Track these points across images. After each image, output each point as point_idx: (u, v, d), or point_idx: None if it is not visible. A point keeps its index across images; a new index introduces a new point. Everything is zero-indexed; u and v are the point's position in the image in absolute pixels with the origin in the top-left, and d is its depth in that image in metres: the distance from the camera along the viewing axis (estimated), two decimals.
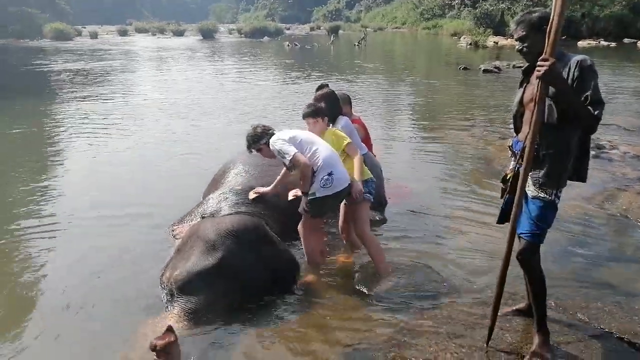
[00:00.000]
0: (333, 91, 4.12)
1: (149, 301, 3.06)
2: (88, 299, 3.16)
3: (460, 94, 11.85)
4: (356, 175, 3.32)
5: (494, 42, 29.92)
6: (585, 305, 2.92)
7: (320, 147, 3.26)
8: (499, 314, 2.75)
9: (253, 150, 3.43)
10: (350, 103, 4.51)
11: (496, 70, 15.53)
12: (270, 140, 3.31)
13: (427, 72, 18.22)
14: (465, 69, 16.15)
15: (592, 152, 5.99)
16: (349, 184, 3.24)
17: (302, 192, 3.29)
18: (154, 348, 2.29)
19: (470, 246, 3.78)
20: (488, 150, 6.54)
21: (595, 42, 27.48)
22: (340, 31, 51.01)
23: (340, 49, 30.88)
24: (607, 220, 4.22)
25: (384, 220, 4.32)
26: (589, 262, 3.53)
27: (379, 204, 4.34)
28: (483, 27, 33.47)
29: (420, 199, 4.83)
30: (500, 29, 33.50)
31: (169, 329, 2.38)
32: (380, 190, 4.34)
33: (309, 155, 3.21)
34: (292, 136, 3.29)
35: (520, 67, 14.95)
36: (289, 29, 57.51)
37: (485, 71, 15.35)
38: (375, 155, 4.68)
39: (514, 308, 2.84)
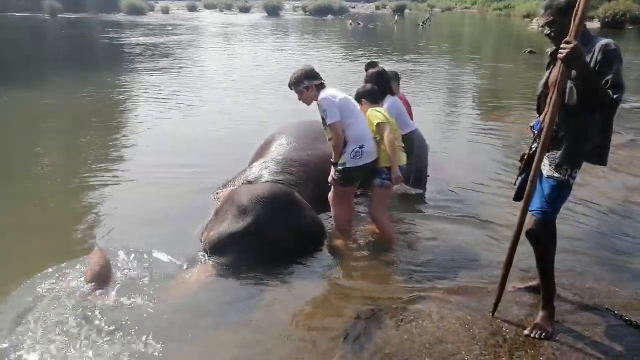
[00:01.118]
0: (382, 70, 4.29)
1: (190, 254, 3.38)
2: (137, 243, 3.53)
3: (525, 78, 11.47)
4: (391, 160, 3.39)
5: None
6: (599, 288, 2.96)
7: (359, 120, 3.44)
8: (511, 289, 2.91)
9: (300, 86, 3.44)
10: (397, 80, 4.63)
11: None
12: (321, 95, 3.39)
13: (493, 54, 17.65)
14: (531, 52, 15.47)
15: None
16: (376, 157, 3.41)
17: (332, 163, 3.47)
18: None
19: (500, 225, 3.83)
20: None
21: None
22: (406, 10, 49.86)
23: (403, 29, 30.34)
24: None
25: (421, 195, 4.44)
26: (616, 248, 3.52)
27: (419, 180, 4.45)
28: None
29: (466, 177, 4.91)
30: None
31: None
32: (421, 166, 4.45)
33: (347, 124, 3.36)
34: (342, 101, 3.39)
35: None
36: (353, 7, 56.69)
37: None
38: None
39: (526, 284, 2.94)
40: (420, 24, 29.95)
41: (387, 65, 4.54)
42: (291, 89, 3.52)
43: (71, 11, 36.82)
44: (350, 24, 30.96)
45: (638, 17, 27.31)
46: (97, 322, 2.67)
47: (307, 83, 3.43)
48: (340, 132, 3.34)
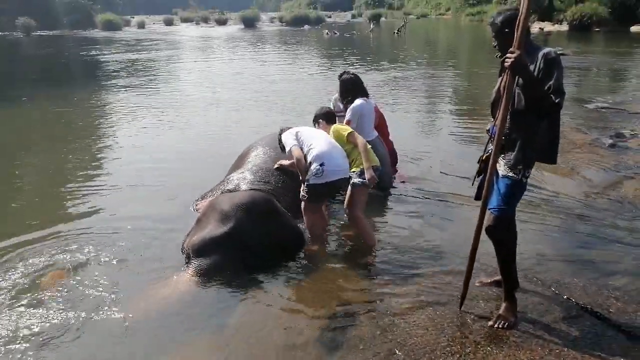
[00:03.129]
0: (344, 79, 4.55)
1: (170, 261, 3.50)
2: (118, 255, 3.63)
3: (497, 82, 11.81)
4: (364, 163, 3.61)
5: (540, 28, 29.04)
6: (560, 279, 3.15)
7: (318, 142, 3.66)
8: (477, 284, 3.09)
9: (284, 151, 3.91)
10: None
11: None
12: (282, 135, 3.84)
13: (468, 59, 18.08)
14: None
15: (609, 141, 6.15)
16: (343, 177, 3.60)
17: (301, 181, 3.69)
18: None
19: (466, 223, 3.99)
20: None
21: None
22: (382, 18, 50.62)
23: (380, 37, 30.82)
24: (606, 204, 4.35)
25: (386, 197, 4.63)
26: (577, 242, 3.72)
27: (383, 188, 4.63)
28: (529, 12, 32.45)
29: (436, 178, 5.15)
30: (547, 14, 32.41)
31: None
32: (384, 176, 4.61)
33: (306, 149, 3.66)
34: (297, 132, 3.80)
35: (563, 54, 14.78)
36: (330, 17, 57.43)
37: None
38: (391, 143, 5.03)
39: (492, 279, 3.11)
40: (396, 31, 30.45)
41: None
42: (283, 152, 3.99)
43: (46, 28, 36.54)
44: (327, 33, 31.32)
45: (604, 20, 28.20)
46: (77, 328, 2.78)
47: (280, 145, 3.95)
48: (298, 154, 3.64)
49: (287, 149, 3.74)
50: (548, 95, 2.43)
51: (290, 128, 3.94)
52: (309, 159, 3.60)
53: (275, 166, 4.17)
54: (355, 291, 3.16)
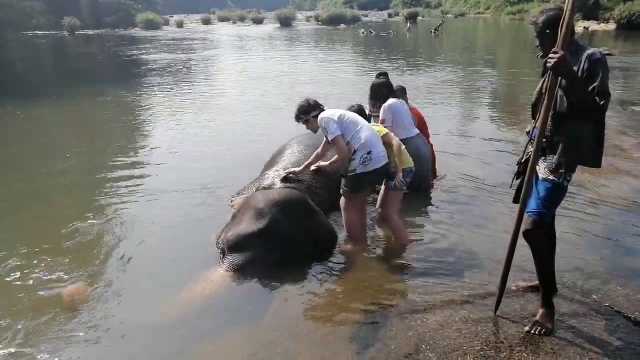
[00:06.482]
0: (375, 83, 4.58)
1: (205, 256, 3.57)
2: (155, 249, 3.77)
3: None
4: (396, 165, 3.56)
5: (584, 27, 28.04)
6: (602, 287, 3.05)
7: (363, 128, 3.60)
8: (514, 288, 3.02)
9: (300, 120, 3.76)
10: (404, 93, 4.85)
11: None
12: (320, 116, 3.66)
13: (508, 60, 17.65)
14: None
15: None
16: (387, 162, 3.54)
17: (341, 175, 3.65)
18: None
19: (502, 225, 3.91)
20: None
21: None
22: (419, 17, 49.97)
23: (416, 37, 30.46)
24: None
25: (425, 200, 4.58)
26: (620, 249, 3.59)
27: (418, 187, 4.56)
28: None
29: (473, 180, 5.06)
30: (593, 12, 31.23)
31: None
32: (422, 174, 4.54)
33: (352, 134, 3.56)
34: (340, 116, 3.63)
35: (609, 54, 14.30)
36: (366, 15, 57.09)
37: None
38: (430, 145, 4.96)
39: (529, 284, 3.04)
40: (432, 30, 30.00)
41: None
42: (297, 121, 3.80)
43: (89, 27, 37.81)
44: (363, 32, 31.18)
45: None
46: (118, 322, 2.88)
47: (303, 118, 3.73)
48: (343, 145, 3.53)
49: (329, 136, 3.57)
50: (592, 97, 2.35)
51: (321, 107, 3.73)
52: (354, 146, 3.52)
53: (313, 168, 4.07)
54: (388, 291, 3.15)
